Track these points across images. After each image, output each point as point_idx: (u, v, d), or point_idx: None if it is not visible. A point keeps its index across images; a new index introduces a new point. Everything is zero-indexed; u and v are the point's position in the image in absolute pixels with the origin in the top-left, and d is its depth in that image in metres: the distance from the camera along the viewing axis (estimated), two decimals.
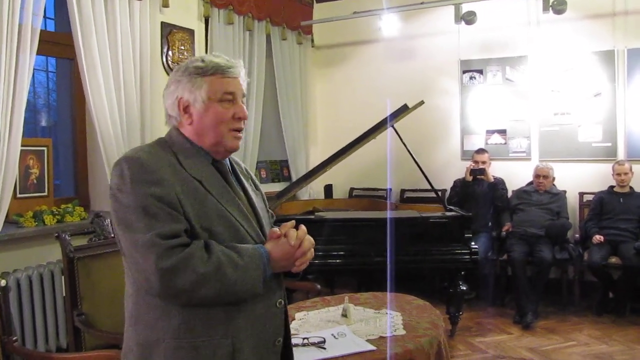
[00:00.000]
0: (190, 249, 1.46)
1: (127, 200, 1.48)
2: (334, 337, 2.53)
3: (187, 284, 1.44)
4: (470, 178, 5.56)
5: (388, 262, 3.99)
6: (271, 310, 1.64)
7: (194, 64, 1.63)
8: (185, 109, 1.63)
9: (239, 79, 1.67)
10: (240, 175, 1.78)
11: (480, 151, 5.72)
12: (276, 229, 1.65)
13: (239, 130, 1.66)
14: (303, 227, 1.66)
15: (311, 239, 1.66)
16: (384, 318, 2.78)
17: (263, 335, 1.62)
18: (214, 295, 1.48)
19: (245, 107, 1.68)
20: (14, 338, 2.56)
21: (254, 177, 1.89)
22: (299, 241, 1.61)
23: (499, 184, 5.63)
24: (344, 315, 2.78)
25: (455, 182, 5.81)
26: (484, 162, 5.61)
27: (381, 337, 2.53)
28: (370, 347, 2.42)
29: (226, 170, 1.70)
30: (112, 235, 3.20)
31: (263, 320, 1.61)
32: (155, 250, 1.42)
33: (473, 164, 5.62)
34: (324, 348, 2.41)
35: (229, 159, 1.74)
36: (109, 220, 3.26)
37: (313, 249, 1.67)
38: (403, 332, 2.61)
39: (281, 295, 1.68)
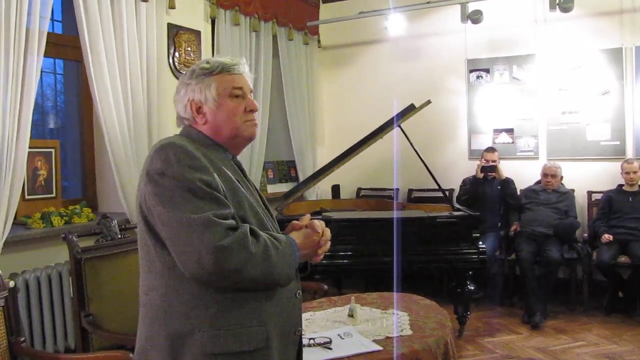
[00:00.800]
0: (242, 229, 1.51)
1: (173, 183, 1.51)
2: (340, 337, 2.53)
3: (240, 263, 1.47)
4: (481, 175, 5.55)
5: (395, 262, 3.98)
6: (292, 300, 1.70)
7: (200, 66, 1.71)
8: (198, 110, 1.69)
9: (244, 75, 1.74)
10: (246, 173, 1.84)
11: (490, 150, 5.70)
12: (297, 222, 1.74)
13: (252, 120, 1.73)
14: (322, 221, 1.73)
15: (328, 231, 1.74)
16: (390, 318, 2.78)
17: (286, 324, 1.68)
18: (259, 276, 1.52)
19: (255, 101, 1.76)
20: (22, 339, 2.57)
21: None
22: (322, 229, 1.70)
23: (510, 182, 5.60)
24: (351, 315, 2.78)
25: (464, 180, 5.79)
26: (494, 161, 5.60)
27: (387, 338, 2.53)
28: (377, 347, 2.41)
29: (243, 168, 1.79)
30: (119, 236, 3.21)
31: (287, 309, 1.68)
32: (215, 229, 1.46)
33: (484, 161, 5.60)
34: (330, 348, 2.41)
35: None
36: (115, 221, 3.27)
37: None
38: (410, 332, 2.60)
39: (299, 287, 1.75)
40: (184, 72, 1.76)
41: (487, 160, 5.60)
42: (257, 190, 1.83)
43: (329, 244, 1.74)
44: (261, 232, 1.57)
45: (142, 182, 1.59)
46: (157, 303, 1.60)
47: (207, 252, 1.44)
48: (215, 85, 1.68)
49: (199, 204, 1.49)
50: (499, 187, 5.56)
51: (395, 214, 4.48)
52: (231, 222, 1.51)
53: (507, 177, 5.58)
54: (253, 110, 1.73)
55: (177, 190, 1.50)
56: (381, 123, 4.76)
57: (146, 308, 1.64)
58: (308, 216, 1.77)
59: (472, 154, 6.15)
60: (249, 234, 1.51)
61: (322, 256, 1.74)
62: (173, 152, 1.54)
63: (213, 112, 1.68)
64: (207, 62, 1.71)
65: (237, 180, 1.65)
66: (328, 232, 1.74)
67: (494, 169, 5.53)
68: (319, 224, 1.70)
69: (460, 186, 5.83)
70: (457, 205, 4.94)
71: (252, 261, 1.49)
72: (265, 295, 1.60)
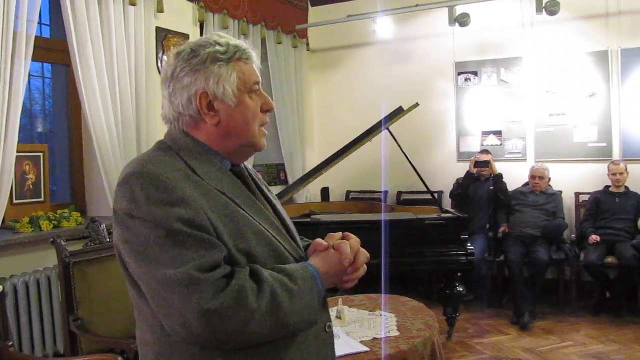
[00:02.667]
0: (238, 280, 1.18)
1: (144, 228, 1.19)
2: None
3: (239, 324, 1.16)
4: (474, 170, 5.59)
5: (383, 264, 3.99)
6: (321, 337, 1.39)
7: (213, 48, 1.33)
8: (210, 106, 1.32)
9: (255, 65, 1.41)
10: (256, 179, 1.50)
11: (484, 152, 5.74)
12: (322, 241, 1.40)
13: (267, 124, 1.42)
14: (356, 239, 1.41)
15: (366, 252, 1.41)
16: (378, 320, 2.80)
17: None
18: (268, 333, 1.21)
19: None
20: (10, 343, 2.57)
21: (261, 177, 1.60)
22: (353, 255, 1.37)
23: (502, 177, 5.62)
24: (338, 317, 2.79)
25: (458, 179, 5.84)
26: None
27: (375, 339, 2.55)
28: (364, 348, 2.43)
29: (246, 176, 1.43)
30: (108, 240, 3.21)
31: (316, 349, 1.37)
32: (198, 289, 1.14)
33: (478, 156, 5.64)
34: None
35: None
36: (104, 225, 3.27)
37: (365, 265, 1.41)
38: (397, 333, 2.62)
39: (328, 317, 1.44)
40: (182, 50, 1.35)
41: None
42: (273, 199, 1.51)
43: (363, 269, 1.40)
44: (266, 274, 1.23)
45: (113, 219, 1.29)
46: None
47: (194, 317, 1.14)
48: (236, 76, 1.33)
49: (178, 253, 1.16)
50: (490, 188, 5.59)
51: (383, 216, 4.50)
52: (222, 271, 1.18)
53: (500, 173, 5.61)
54: (270, 110, 1.41)
55: (150, 236, 1.18)
56: (370, 126, 4.78)
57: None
58: (339, 235, 1.42)
59: (461, 156, 6.19)
60: (247, 283, 1.19)
61: (351, 285, 1.41)
62: (140, 185, 1.21)
63: (229, 111, 1.33)
64: (219, 44, 1.33)
65: (236, 201, 1.31)
66: (364, 255, 1.40)
67: (487, 164, 5.56)
68: (349, 250, 1.35)
69: (454, 184, 5.87)
70: (446, 208, 4.97)
71: (256, 318, 1.17)
72: (285, 343, 1.29)
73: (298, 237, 1.47)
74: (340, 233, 1.42)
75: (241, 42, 1.37)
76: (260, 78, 1.40)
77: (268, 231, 1.33)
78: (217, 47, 1.32)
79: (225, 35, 1.38)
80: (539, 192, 5.48)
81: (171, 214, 1.18)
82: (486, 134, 6.11)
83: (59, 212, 4.02)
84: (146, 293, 1.23)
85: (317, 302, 1.30)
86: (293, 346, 1.30)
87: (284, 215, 1.48)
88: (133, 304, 1.34)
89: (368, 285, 4.70)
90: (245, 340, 1.19)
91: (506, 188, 5.59)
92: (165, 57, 4.75)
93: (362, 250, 1.40)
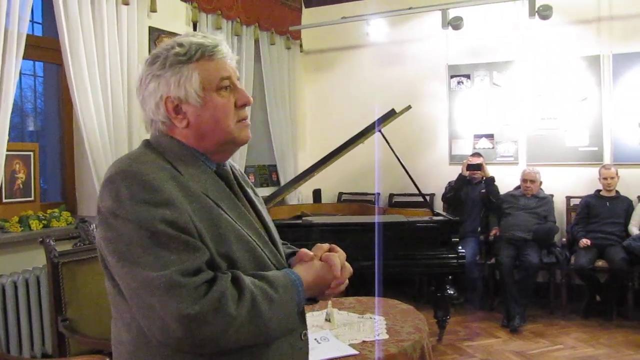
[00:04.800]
0: (218, 286, 1.17)
1: (128, 228, 1.18)
2: (317, 341, 2.53)
3: (218, 330, 1.16)
4: (466, 173, 5.60)
5: (377, 267, 3.99)
6: (297, 345, 1.39)
7: (173, 50, 1.32)
8: (176, 109, 1.32)
9: (227, 58, 1.37)
10: (241, 181, 1.49)
11: (476, 155, 5.75)
12: (308, 251, 1.41)
13: (245, 118, 1.39)
14: (342, 252, 1.44)
15: (350, 267, 1.43)
16: (367, 322, 2.79)
17: None
18: (246, 338, 1.21)
19: (245, 91, 1.40)
20: None
21: (248, 180, 1.59)
22: (339, 268, 1.39)
23: (494, 180, 5.64)
24: (328, 319, 2.79)
25: (449, 182, 5.84)
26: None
27: (364, 342, 2.54)
28: (353, 351, 2.42)
29: (230, 178, 1.42)
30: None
31: (290, 357, 1.37)
32: (178, 293, 1.13)
33: (470, 159, 5.65)
34: None
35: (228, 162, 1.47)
36: (94, 225, 3.25)
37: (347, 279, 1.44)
38: (386, 336, 2.61)
39: (304, 327, 1.44)
40: (148, 59, 1.35)
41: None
42: (257, 203, 1.49)
43: (346, 283, 1.42)
44: (248, 281, 1.22)
45: (96, 217, 1.28)
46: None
47: (173, 320, 1.13)
48: (197, 76, 1.30)
49: (160, 255, 1.15)
50: (482, 191, 5.60)
51: (377, 218, 4.50)
52: (204, 276, 1.18)
53: (491, 176, 5.62)
54: (246, 104, 1.37)
55: (133, 236, 1.17)
56: (362, 128, 4.78)
57: None
58: (326, 246, 1.43)
59: (453, 159, 6.20)
60: (228, 290, 1.18)
61: (331, 296, 1.44)
62: (125, 184, 1.20)
63: (196, 112, 1.31)
64: (181, 45, 1.32)
65: (219, 204, 1.30)
66: (348, 270, 1.42)
67: (479, 167, 5.57)
68: (338, 262, 1.38)
69: (446, 187, 5.87)
70: (437, 210, 4.98)
71: (234, 325, 1.17)
72: (260, 349, 1.29)
73: (280, 243, 1.48)
74: (328, 245, 1.43)
75: (206, 39, 1.35)
76: (234, 72, 1.38)
77: (250, 236, 1.32)
78: (177, 49, 1.31)
79: (193, 33, 1.37)
80: (530, 195, 5.50)
81: (155, 214, 1.17)
82: (478, 137, 6.12)
83: (48, 211, 4.00)
84: (125, 293, 1.21)
85: (296, 310, 1.31)
86: (268, 352, 1.30)
87: (266, 220, 1.48)
88: (110, 301, 1.33)
89: (359, 287, 4.72)
90: (222, 346, 1.19)
91: (498, 191, 5.60)
92: None
93: (347, 264, 1.42)
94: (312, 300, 1.45)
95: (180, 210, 1.20)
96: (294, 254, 1.47)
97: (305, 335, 1.43)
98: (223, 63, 1.35)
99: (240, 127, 1.36)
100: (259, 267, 1.31)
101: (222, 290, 1.17)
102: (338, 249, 1.44)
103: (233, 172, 1.46)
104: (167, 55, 1.31)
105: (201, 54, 1.32)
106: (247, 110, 1.41)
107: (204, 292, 1.16)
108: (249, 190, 1.50)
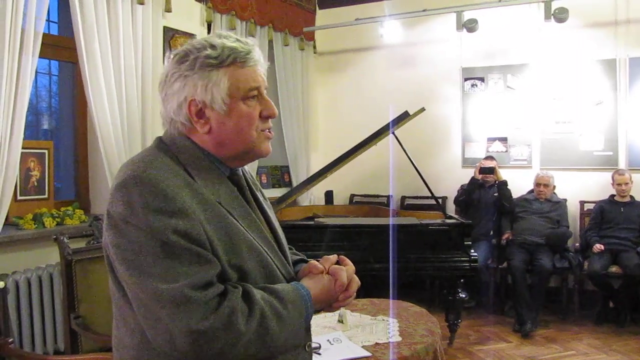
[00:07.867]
0: (230, 302, 1.15)
1: (139, 236, 1.14)
2: (330, 342, 2.52)
3: (226, 346, 1.14)
4: (479, 176, 5.57)
5: (391, 269, 3.98)
6: (301, 355, 1.37)
7: (205, 52, 1.26)
8: (199, 113, 1.27)
9: (259, 66, 1.32)
10: (252, 185, 1.46)
11: (489, 158, 5.73)
12: (317, 263, 1.39)
13: (269, 129, 1.36)
14: (351, 265, 1.43)
15: (358, 280, 1.42)
16: (380, 324, 2.78)
17: None
18: (252, 353, 1.19)
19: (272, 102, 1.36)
20: (10, 340, 2.56)
21: (257, 183, 1.56)
22: (348, 281, 1.38)
23: (507, 184, 5.60)
24: (340, 321, 2.78)
25: (462, 185, 5.82)
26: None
27: (377, 344, 2.52)
28: (366, 353, 2.41)
29: (243, 185, 1.38)
30: None
31: None
32: (188, 308, 1.11)
33: (483, 162, 5.63)
34: (319, 354, 2.40)
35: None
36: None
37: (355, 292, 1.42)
38: (399, 338, 2.60)
39: (310, 338, 1.42)
40: (175, 53, 1.31)
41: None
42: (266, 208, 1.47)
43: (353, 295, 1.40)
44: (258, 296, 1.21)
45: (104, 220, 1.24)
46: None
47: (180, 335, 1.12)
48: (226, 82, 1.26)
49: (170, 266, 1.13)
50: (495, 195, 5.57)
51: (391, 220, 4.48)
52: (215, 290, 1.15)
53: (504, 179, 5.59)
54: (270, 117, 1.34)
55: (144, 245, 1.14)
56: (375, 130, 4.77)
57: None
58: (334, 258, 1.41)
59: (466, 162, 6.17)
60: (239, 305, 1.16)
61: (337, 309, 1.44)
62: (138, 191, 1.16)
63: (220, 119, 1.27)
64: (213, 47, 1.26)
65: (232, 212, 1.27)
66: (356, 283, 1.40)
67: (492, 170, 5.55)
68: (344, 276, 1.36)
69: (458, 190, 5.85)
70: (450, 213, 4.95)
71: (242, 341, 1.16)
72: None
73: (287, 250, 1.46)
74: (336, 256, 1.42)
75: (240, 44, 1.30)
76: (264, 81, 1.34)
77: (261, 246, 1.30)
78: (208, 51, 1.26)
79: (227, 34, 1.32)
80: (543, 199, 5.47)
81: (168, 224, 1.14)
82: (491, 140, 6.09)
83: (62, 209, 4.02)
84: (132, 301, 1.19)
85: (304, 326, 1.31)
86: None
87: (275, 226, 1.45)
88: (113, 303, 1.30)
89: (371, 289, 4.71)
90: (230, 359, 1.17)
91: (510, 195, 5.57)
92: None
93: (355, 277, 1.41)
94: (318, 312, 1.43)
95: (193, 221, 1.17)
96: (300, 260, 1.47)
97: (310, 346, 1.41)
98: (254, 72, 1.31)
99: (262, 139, 1.34)
100: (269, 278, 1.30)
101: (233, 306, 1.16)
102: (348, 261, 1.42)
103: (244, 177, 1.43)
104: (198, 56, 1.26)
105: (232, 60, 1.27)
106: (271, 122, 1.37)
107: (214, 307, 1.14)
108: (259, 194, 1.48)
